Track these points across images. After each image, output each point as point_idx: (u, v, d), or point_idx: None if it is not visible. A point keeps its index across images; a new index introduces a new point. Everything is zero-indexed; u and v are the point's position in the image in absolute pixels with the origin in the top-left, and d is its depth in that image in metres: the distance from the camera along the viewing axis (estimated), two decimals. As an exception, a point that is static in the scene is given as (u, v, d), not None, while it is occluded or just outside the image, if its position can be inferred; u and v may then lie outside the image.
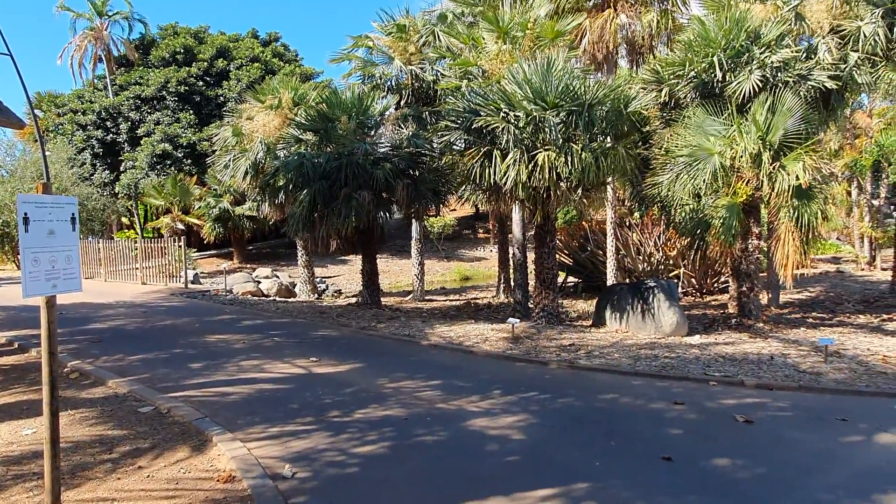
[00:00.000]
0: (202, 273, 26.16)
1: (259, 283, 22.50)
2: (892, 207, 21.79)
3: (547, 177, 11.15)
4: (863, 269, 24.72)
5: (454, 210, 41.67)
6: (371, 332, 12.29)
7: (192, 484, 4.85)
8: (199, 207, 30.37)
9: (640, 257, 19.65)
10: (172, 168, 31.56)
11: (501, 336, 11.41)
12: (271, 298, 20.63)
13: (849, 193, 28.52)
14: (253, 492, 4.71)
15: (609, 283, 17.61)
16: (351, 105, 15.22)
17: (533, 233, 14.10)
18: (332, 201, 14.34)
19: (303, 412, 6.73)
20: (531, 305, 14.35)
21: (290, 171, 14.54)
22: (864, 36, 13.60)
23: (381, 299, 17.34)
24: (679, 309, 11.88)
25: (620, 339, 11.28)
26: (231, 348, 10.51)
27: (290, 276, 24.80)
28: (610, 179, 13.86)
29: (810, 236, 11.44)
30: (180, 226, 29.47)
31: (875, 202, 28.90)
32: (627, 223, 19.96)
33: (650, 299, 11.88)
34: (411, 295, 20.89)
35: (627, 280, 18.45)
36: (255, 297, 20.11)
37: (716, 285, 19.97)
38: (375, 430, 6.12)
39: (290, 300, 20.19)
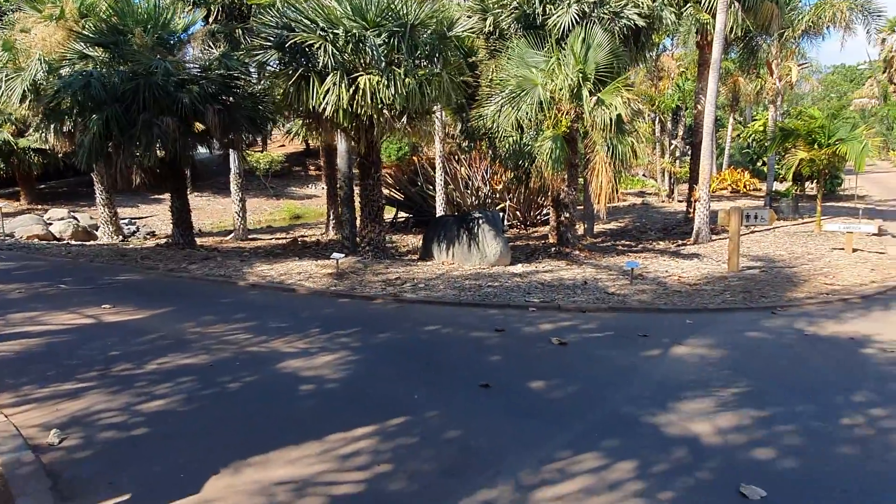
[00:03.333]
0: (-23, 216, 22.26)
1: (50, 225, 19.62)
2: (688, 146, 24.32)
3: (369, 103, 10.55)
4: (663, 202, 27.33)
5: (283, 146, 39.45)
6: (181, 275, 11.12)
7: (-84, 467, 3.85)
8: (-30, 139, 25.56)
9: (469, 191, 19.92)
10: (-73, 90, 26.09)
11: (326, 273, 10.86)
12: (65, 242, 18.10)
13: (653, 132, 31.14)
14: (4, 469, 3.85)
15: (438, 217, 17.65)
16: (147, 17, 13.23)
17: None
18: (130, 128, 12.53)
19: (84, 367, 5.75)
20: (358, 240, 13.90)
21: (76, 92, 12.42)
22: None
23: (198, 239, 15.91)
24: (503, 239, 12.11)
25: (447, 270, 11.27)
26: (2, 299, 8.89)
27: (91, 218, 21.89)
28: (436, 108, 13.58)
29: (622, 168, 12.14)
30: (-54, 161, 24.68)
31: (674, 141, 31.95)
32: (457, 157, 20.02)
33: (475, 230, 11.96)
34: (232, 234, 19.48)
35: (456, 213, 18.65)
36: (44, 242, 17.51)
37: (538, 217, 20.92)
38: (171, 381, 5.38)
39: (87, 243, 17.83)
